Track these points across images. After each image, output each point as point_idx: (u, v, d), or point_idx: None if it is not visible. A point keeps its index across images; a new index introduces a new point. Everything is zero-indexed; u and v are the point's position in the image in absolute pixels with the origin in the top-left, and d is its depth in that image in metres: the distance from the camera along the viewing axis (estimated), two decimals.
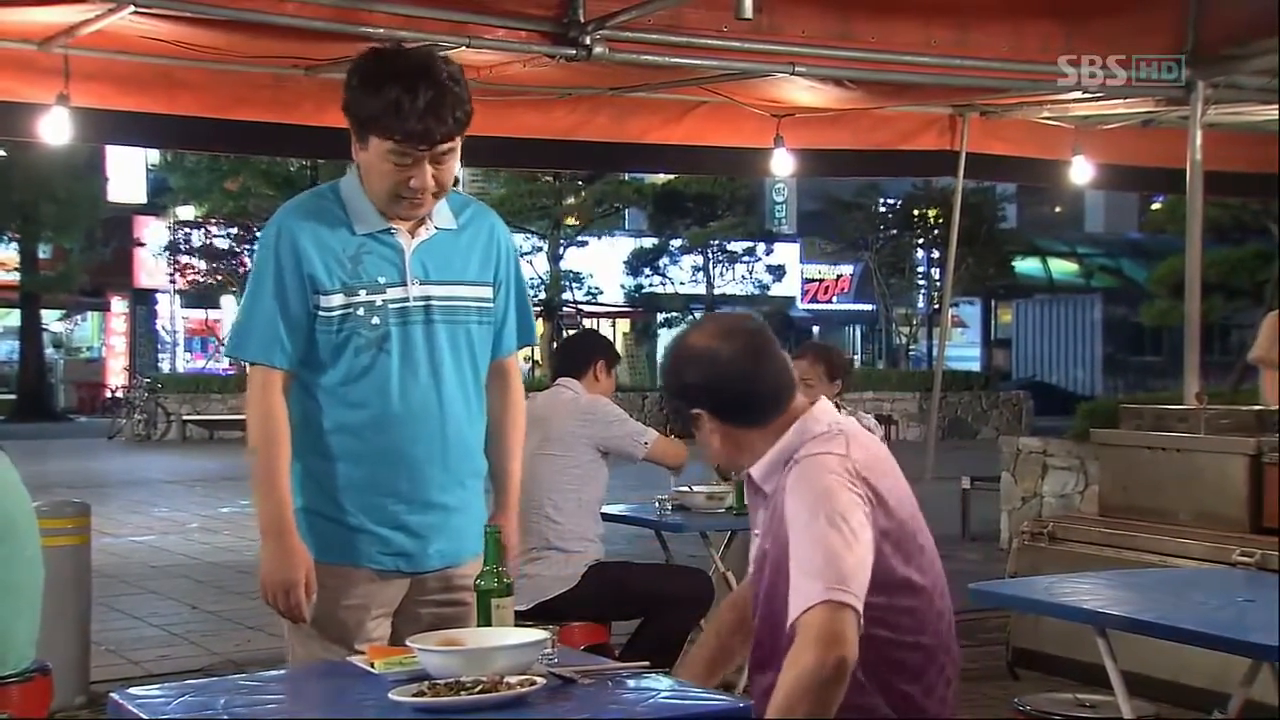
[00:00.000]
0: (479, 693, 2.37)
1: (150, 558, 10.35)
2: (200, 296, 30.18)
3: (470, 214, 3.10)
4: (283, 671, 3.10)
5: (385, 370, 2.95)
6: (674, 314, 31.37)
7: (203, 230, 27.96)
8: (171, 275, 28.75)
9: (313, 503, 3.01)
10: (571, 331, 22.09)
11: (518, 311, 3.19)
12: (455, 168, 2.98)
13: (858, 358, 35.95)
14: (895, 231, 30.68)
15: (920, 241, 30.67)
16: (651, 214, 30.74)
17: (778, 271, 32.08)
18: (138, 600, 8.52)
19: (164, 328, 33.66)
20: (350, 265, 2.94)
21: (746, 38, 6.06)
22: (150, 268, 31.09)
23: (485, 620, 2.73)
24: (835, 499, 2.43)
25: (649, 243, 31.71)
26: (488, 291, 3.08)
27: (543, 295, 27.48)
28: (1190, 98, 6.75)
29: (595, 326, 27.39)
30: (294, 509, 2.96)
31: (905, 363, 31.48)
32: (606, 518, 5.26)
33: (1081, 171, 8.44)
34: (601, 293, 30.09)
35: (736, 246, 30.83)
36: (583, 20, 5.83)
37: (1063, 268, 37.64)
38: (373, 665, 2.62)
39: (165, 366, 31.78)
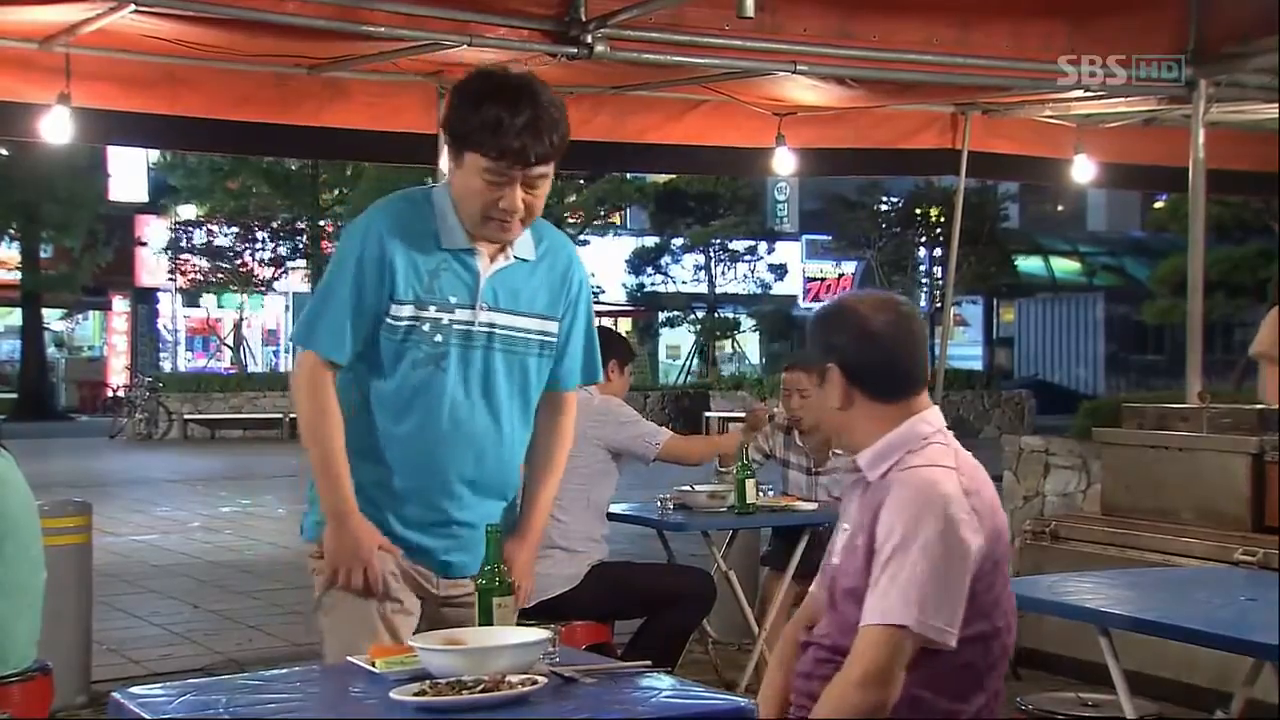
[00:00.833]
0: (480, 692, 2.37)
1: (151, 557, 10.34)
2: (200, 295, 30.21)
3: (548, 245, 3.10)
4: (284, 671, 3.09)
5: (440, 388, 2.97)
6: (675, 313, 31.37)
7: (204, 229, 28.04)
8: (173, 274, 28.80)
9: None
10: None
11: (585, 348, 3.19)
12: (545, 196, 2.97)
13: None
14: (897, 230, 30.64)
15: (922, 240, 30.64)
16: (653, 213, 30.76)
17: (780, 270, 32.10)
18: (139, 599, 8.51)
19: (165, 327, 33.65)
20: (428, 279, 2.95)
21: (748, 36, 6.05)
22: (151, 267, 31.14)
23: (486, 619, 2.73)
24: (951, 525, 2.48)
25: (651, 242, 31.74)
26: (553, 326, 3.09)
27: None
28: (1192, 96, 6.75)
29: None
30: None
31: None
32: (609, 516, 5.25)
33: (1083, 170, 8.44)
34: (603, 291, 30.06)
35: (738, 245, 30.86)
36: (584, 19, 5.82)
37: (1065, 266, 37.60)
38: (374, 664, 2.61)
39: (166, 366, 31.76)
